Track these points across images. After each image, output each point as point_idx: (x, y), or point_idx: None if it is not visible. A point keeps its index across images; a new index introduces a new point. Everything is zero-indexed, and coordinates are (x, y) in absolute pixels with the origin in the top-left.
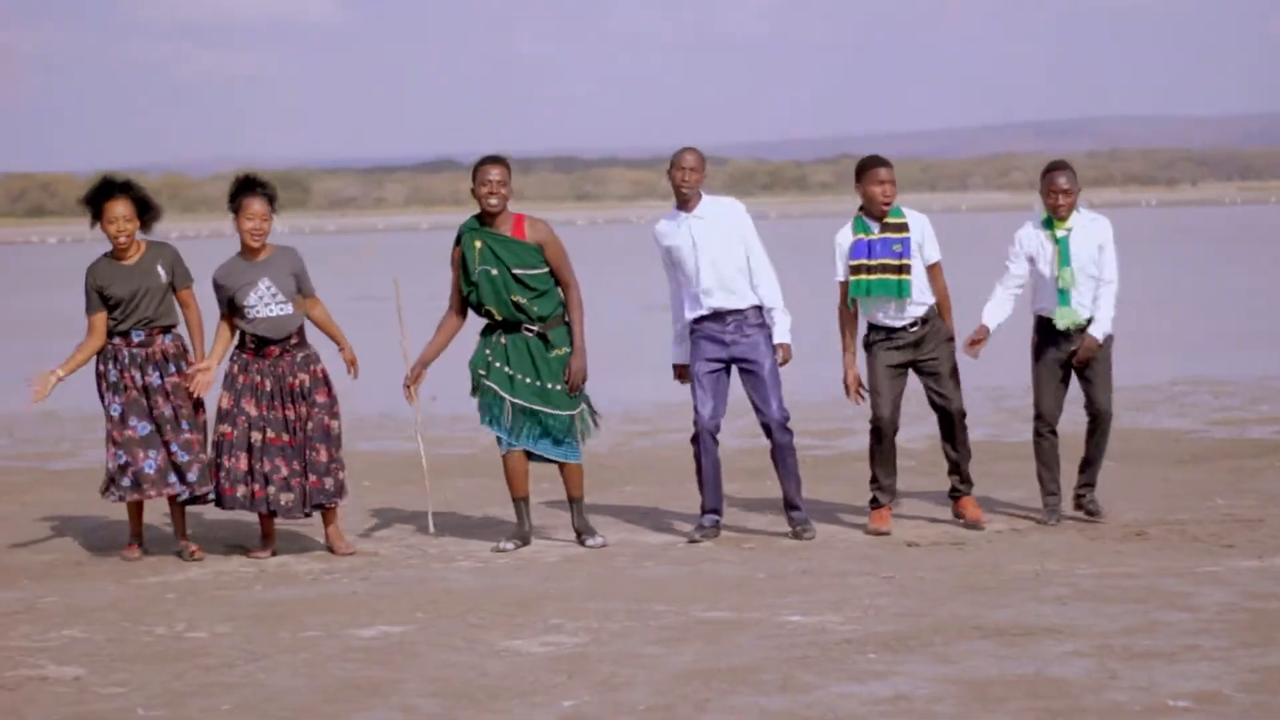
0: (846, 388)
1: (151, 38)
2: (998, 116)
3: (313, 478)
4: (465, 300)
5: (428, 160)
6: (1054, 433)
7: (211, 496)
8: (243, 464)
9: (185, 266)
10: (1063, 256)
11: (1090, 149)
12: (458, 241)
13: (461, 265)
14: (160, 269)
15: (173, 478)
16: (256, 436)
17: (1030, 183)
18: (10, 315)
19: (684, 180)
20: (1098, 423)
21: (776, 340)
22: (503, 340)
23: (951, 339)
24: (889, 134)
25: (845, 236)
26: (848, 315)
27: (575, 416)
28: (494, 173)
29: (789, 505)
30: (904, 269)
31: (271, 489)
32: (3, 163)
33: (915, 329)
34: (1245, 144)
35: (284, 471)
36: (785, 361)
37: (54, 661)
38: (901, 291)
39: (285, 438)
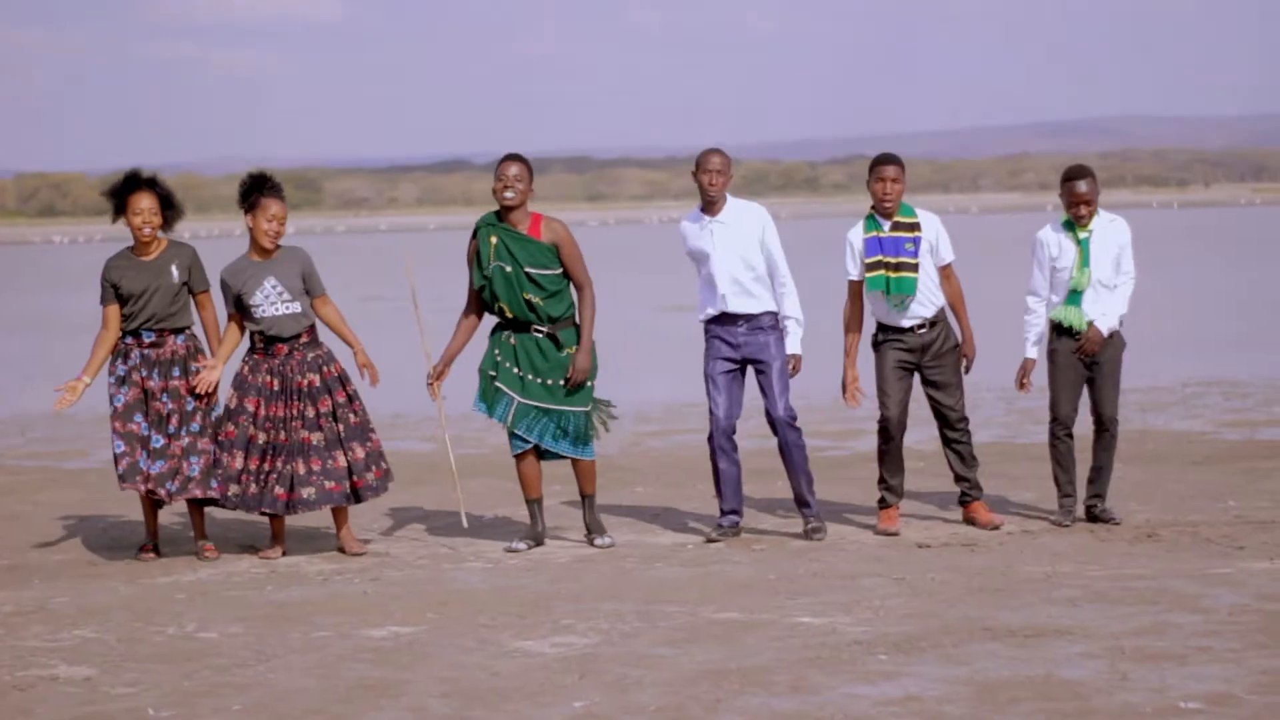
0: (844, 387)
1: (164, 37)
2: (1010, 117)
3: (355, 477)
4: (478, 295)
5: (440, 160)
6: (1070, 435)
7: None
8: (238, 463)
9: (203, 270)
10: (1083, 258)
11: (1102, 150)
12: (474, 235)
13: (475, 259)
14: (174, 269)
15: (170, 484)
16: (261, 436)
17: (1042, 184)
18: (21, 315)
19: (711, 183)
20: (1103, 430)
21: (789, 351)
22: (512, 340)
23: (958, 346)
24: (902, 134)
25: (857, 234)
26: (855, 317)
27: (588, 413)
28: (511, 169)
29: (800, 502)
30: (915, 267)
31: (275, 487)
32: (14, 162)
33: (924, 331)
34: (1259, 145)
35: (280, 470)
36: (795, 372)
37: (65, 661)
38: (911, 289)
39: (286, 437)
